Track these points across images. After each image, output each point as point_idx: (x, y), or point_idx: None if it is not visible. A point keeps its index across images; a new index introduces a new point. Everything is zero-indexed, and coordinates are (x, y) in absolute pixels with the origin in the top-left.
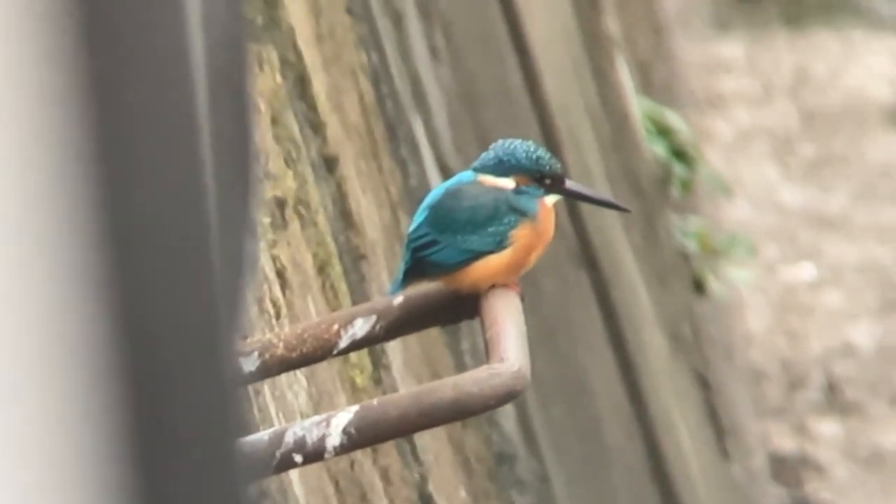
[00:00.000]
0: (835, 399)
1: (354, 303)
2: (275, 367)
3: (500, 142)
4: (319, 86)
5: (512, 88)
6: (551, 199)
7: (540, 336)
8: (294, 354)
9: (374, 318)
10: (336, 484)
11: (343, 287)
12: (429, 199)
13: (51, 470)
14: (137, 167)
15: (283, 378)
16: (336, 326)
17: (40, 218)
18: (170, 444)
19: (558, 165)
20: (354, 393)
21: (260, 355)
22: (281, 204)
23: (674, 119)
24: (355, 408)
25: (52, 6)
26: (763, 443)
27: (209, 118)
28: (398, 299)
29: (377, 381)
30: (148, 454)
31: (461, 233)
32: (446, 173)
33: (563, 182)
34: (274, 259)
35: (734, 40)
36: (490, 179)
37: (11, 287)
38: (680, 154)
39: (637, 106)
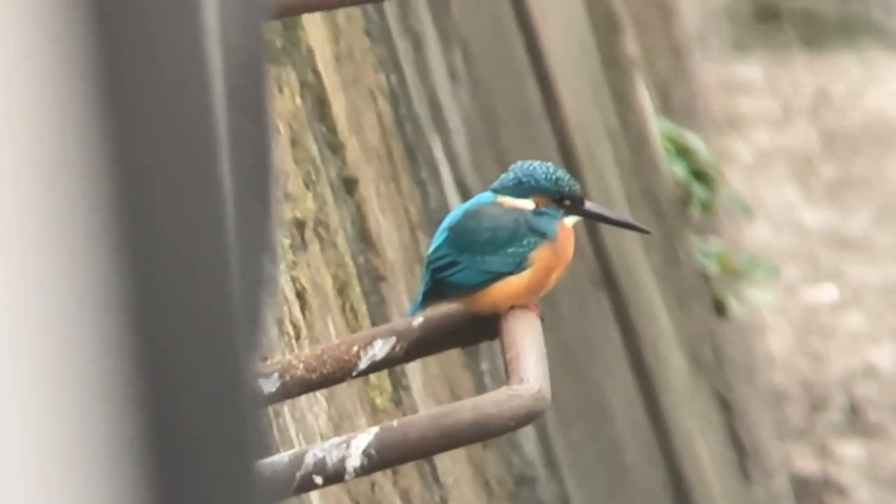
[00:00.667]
0: (857, 421)
1: (374, 324)
2: (295, 388)
3: (520, 163)
4: (339, 107)
5: (531, 109)
6: (571, 221)
7: (560, 357)
8: (314, 376)
9: (393, 339)
10: None
11: (363, 308)
12: (448, 221)
13: (67, 493)
14: (157, 190)
15: (303, 399)
16: (356, 348)
17: (56, 236)
18: (189, 465)
19: (577, 187)
20: (374, 414)
21: (280, 377)
22: (300, 225)
23: (693, 140)
24: (375, 429)
25: (71, 34)
26: (785, 465)
27: (228, 140)
28: (418, 320)
29: (397, 403)
30: (168, 476)
31: (481, 254)
32: (465, 194)
33: (582, 203)
34: (294, 280)
35: (753, 62)
36: (509, 200)
37: (27, 319)
38: (700, 175)
39: (656, 127)
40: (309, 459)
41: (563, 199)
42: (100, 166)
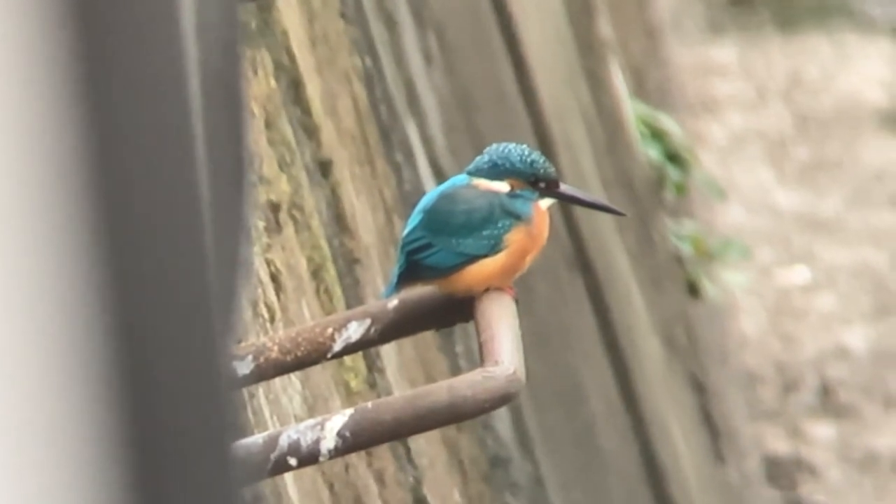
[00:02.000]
0: (828, 402)
1: (349, 306)
2: (269, 370)
3: (495, 146)
4: (313, 90)
5: (506, 93)
6: (545, 203)
7: (534, 339)
8: (288, 358)
9: (368, 321)
10: (331, 487)
11: (337, 291)
12: (423, 203)
13: (46, 473)
14: (131, 172)
15: (278, 381)
16: (330, 330)
17: (35, 222)
18: (164, 447)
19: (552, 169)
20: (349, 396)
21: (254, 359)
22: (275, 208)
23: (668, 123)
24: (350, 411)
25: (48, 12)
26: (757, 445)
27: (203, 122)
28: (393, 303)
29: (372, 385)
30: (143, 457)
31: (456, 236)
32: (440, 177)
33: (557, 185)
34: (268, 263)
35: (727, 44)
36: (484, 183)
37: (6, 291)
38: (674, 157)
39: (631, 110)
40: (283, 441)
41: (538, 182)
42: (75, 149)
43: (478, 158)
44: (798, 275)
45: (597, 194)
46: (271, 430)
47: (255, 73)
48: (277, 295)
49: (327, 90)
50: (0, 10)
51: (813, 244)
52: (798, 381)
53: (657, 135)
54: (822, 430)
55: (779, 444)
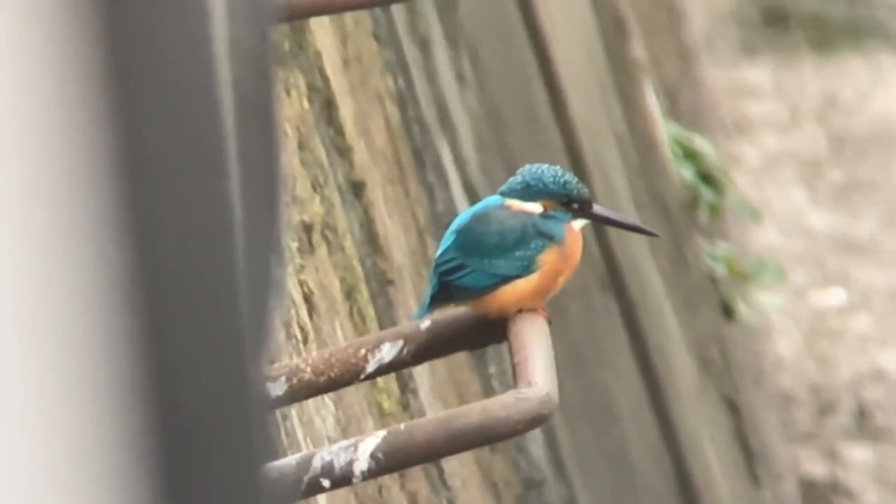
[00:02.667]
0: (865, 424)
1: (382, 327)
2: (302, 391)
3: (527, 166)
4: (346, 111)
5: (539, 113)
6: (578, 224)
7: (567, 361)
8: (321, 379)
9: (401, 342)
10: None
11: (370, 312)
12: (456, 224)
13: (77, 496)
14: (164, 192)
15: (311, 403)
16: (363, 351)
17: (66, 240)
18: (197, 468)
19: (585, 190)
20: (382, 418)
21: (287, 380)
22: (308, 229)
23: (701, 143)
24: (383, 433)
25: (79, 35)
26: (793, 468)
27: (236, 143)
28: (425, 324)
29: (404, 406)
30: (175, 478)
31: (488, 257)
32: (473, 198)
33: (590, 206)
34: (301, 284)
35: (761, 65)
36: (517, 204)
37: (35, 314)
38: (707, 178)
39: (664, 130)
40: (316, 463)
41: (571, 203)
42: (108, 170)
43: (510, 179)
44: (833, 296)
45: (630, 215)
46: (304, 452)
47: (288, 93)
48: (310, 316)
49: (360, 111)
50: (26, 41)
51: (848, 265)
52: (834, 404)
53: (690, 156)
54: (859, 453)
55: (815, 467)
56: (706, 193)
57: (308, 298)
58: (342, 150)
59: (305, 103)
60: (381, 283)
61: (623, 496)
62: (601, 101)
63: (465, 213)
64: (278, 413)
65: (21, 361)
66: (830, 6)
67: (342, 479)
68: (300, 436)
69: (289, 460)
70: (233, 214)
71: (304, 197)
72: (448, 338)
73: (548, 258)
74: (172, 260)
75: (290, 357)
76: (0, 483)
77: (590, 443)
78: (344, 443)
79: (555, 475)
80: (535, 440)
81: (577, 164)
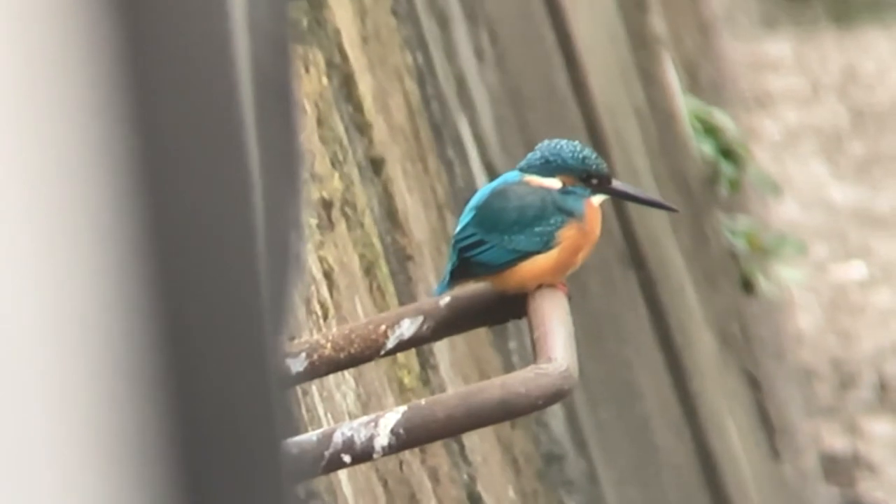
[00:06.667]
0: (886, 398)
1: (401, 303)
2: (322, 367)
3: (546, 142)
4: (365, 87)
5: (558, 89)
6: (598, 199)
7: (587, 336)
8: (342, 355)
9: (421, 318)
10: (385, 484)
11: (390, 288)
12: (475, 200)
13: (93, 468)
14: (182, 170)
15: (331, 379)
16: (383, 327)
17: (82, 217)
18: (217, 444)
19: (604, 165)
20: (402, 393)
21: (308, 356)
22: (327, 205)
23: (721, 118)
24: (403, 408)
25: (94, 17)
26: (814, 442)
27: (254, 120)
28: (445, 300)
29: (425, 382)
30: (195, 455)
31: (508, 233)
32: (492, 174)
33: (609, 182)
34: (321, 260)
35: (782, 39)
36: (536, 179)
37: (53, 287)
38: (728, 153)
39: (684, 105)
40: (337, 438)
41: (590, 178)
42: (127, 149)
43: (529, 155)
44: (854, 270)
45: (649, 190)
46: (325, 428)
47: (307, 70)
48: (330, 292)
49: (379, 87)
50: (43, 10)
51: (869, 239)
52: (855, 378)
53: (711, 130)
54: (880, 427)
55: (836, 441)
56: (726, 168)
57: (328, 275)
58: (361, 127)
59: (324, 80)
60: (401, 260)
61: (644, 471)
62: (621, 76)
63: (484, 189)
64: (299, 389)
65: (39, 335)
66: None
67: (363, 455)
68: (321, 411)
69: (309, 436)
70: (252, 191)
71: (323, 174)
72: (468, 313)
73: (567, 234)
74: (192, 237)
75: (310, 333)
76: (21, 451)
77: (610, 418)
78: (364, 418)
79: (575, 450)
80: (555, 415)
81: (596, 139)
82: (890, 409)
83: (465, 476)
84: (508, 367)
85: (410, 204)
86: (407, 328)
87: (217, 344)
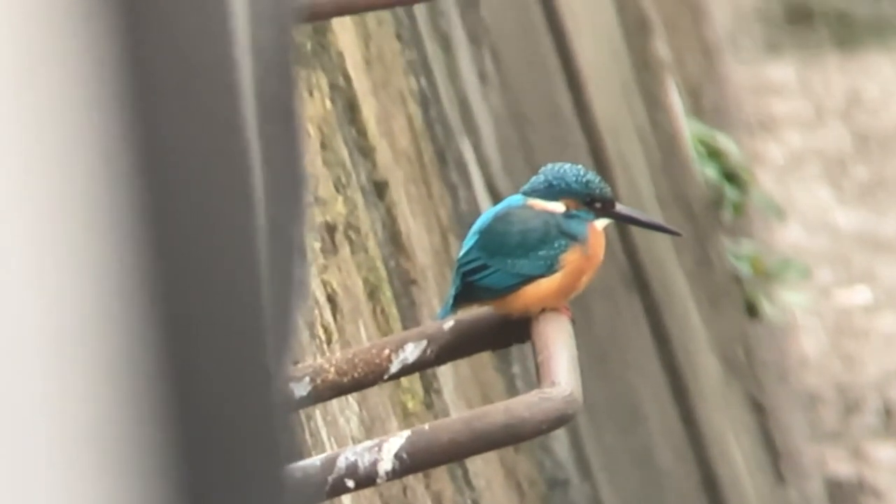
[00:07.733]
0: (891, 423)
1: (405, 327)
2: (326, 392)
3: (550, 166)
4: (369, 111)
5: (561, 111)
6: (601, 223)
7: (591, 360)
8: (345, 379)
9: (424, 342)
10: None
11: (394, 312)
12: (479, 224)
13: (98, 496)
14: (186, 192)
15: (335, 403)
16: (387, 351)
17: (84, 236)
18: (219, 468)
19: (608, 189)
20: (406, 417)
21: (311, 380)
22: (331, 229)
23: (725, 142)
24: (407, 433)
25: (99, 38)
26: (819, 467)
27: (258, 143)
28: (449, 324)
29: (428, 406)
30: (198, 479)
31: (511, 257)
32: (496, 197)
33: (613, 206)
34: (325, 284)
35: (785, 63)
36: (540, 203)
37: (56, 313)
38: (731, 177)
39: (687, 129)
40: (341, 463)
41: (594, 202)
42: (130, 171)
43: (533, 179)
44: (859, 295)
45: (653, 214)
46: (329, 452)
47: (311, 94)
48: (334, 316)
49: (382, 111)
50: (45, 33)
51: (873, 264)
52: (860, 403)
53: (714, 154)
54: (886, 452)
55: (841, 466)
56: (730, 192)
57: (331, 299)
58: (365, 151)
59: (328, 103)
60: (405, 283)
61: (648, 496)
62: (624, 99)
63: (487, 213)
64: (302, 413)
65: (39, 352)
66: (855, 3)
67: (366, 480)
68: (324, 436)
69: (313, 461)
70: (256, 215)
71: (326, 197)
72: (471, 338)
73: (571, 258)
74: (195, 259)
75: (313, 357)
76: (22, 482)
77: (614, 442)
78: (368, 443)
79: (579, 475)
80: (559, 440)
81: (600, 163)
82: (895, 434)
83: (469, 501)
84: (512, 392)
85: (414, 227)
86: (411, 352)
87: (220, 367)
